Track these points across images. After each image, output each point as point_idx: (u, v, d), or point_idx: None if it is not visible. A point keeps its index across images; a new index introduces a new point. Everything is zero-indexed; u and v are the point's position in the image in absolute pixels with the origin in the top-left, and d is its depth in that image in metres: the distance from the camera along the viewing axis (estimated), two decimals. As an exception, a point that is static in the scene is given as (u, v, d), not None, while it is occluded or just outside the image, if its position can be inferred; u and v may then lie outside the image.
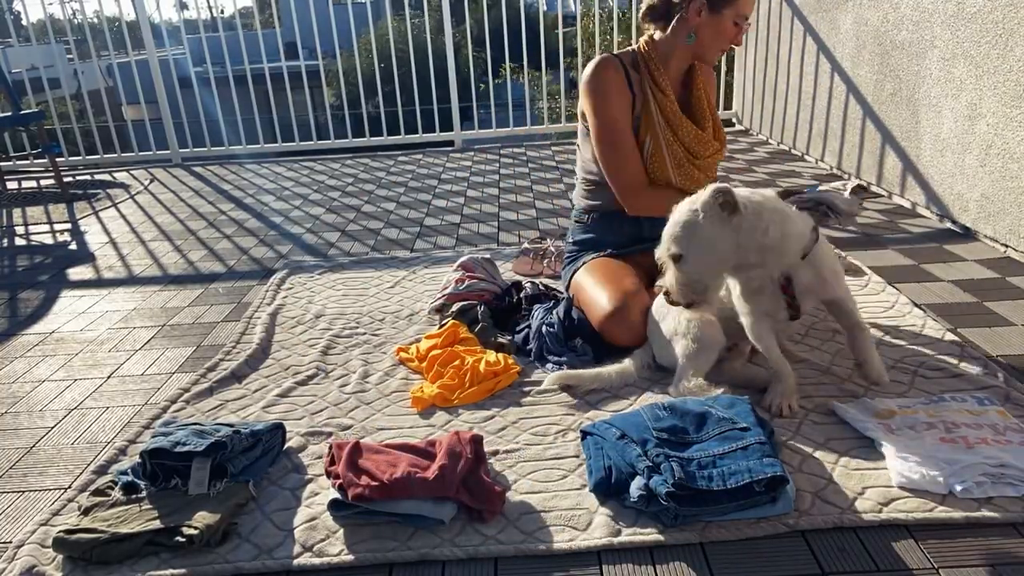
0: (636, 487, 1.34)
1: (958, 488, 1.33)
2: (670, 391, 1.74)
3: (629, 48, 2.22)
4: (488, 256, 2.54)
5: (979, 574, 1.18)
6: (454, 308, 2.22)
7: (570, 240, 2.36)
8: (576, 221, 2.36)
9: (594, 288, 2.04)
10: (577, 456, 1.54)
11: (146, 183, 4.73)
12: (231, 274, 2.91)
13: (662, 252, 1.62)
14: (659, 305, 1.87)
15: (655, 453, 1.36)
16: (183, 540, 1.31)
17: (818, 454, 1.48)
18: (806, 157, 4.28)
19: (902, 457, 1.40)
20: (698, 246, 1.56)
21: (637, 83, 2.13)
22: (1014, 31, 2.45)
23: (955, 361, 1.81)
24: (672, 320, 1.81)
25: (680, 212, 1.58)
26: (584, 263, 2.19)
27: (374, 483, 1.34)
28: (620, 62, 2.14)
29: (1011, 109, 2.48)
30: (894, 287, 2.30)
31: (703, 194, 1.54)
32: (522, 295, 2.25)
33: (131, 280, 2.92)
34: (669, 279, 1.63)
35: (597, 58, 2.16)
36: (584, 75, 2.15)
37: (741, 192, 1.55)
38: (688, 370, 1.73)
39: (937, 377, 1.76)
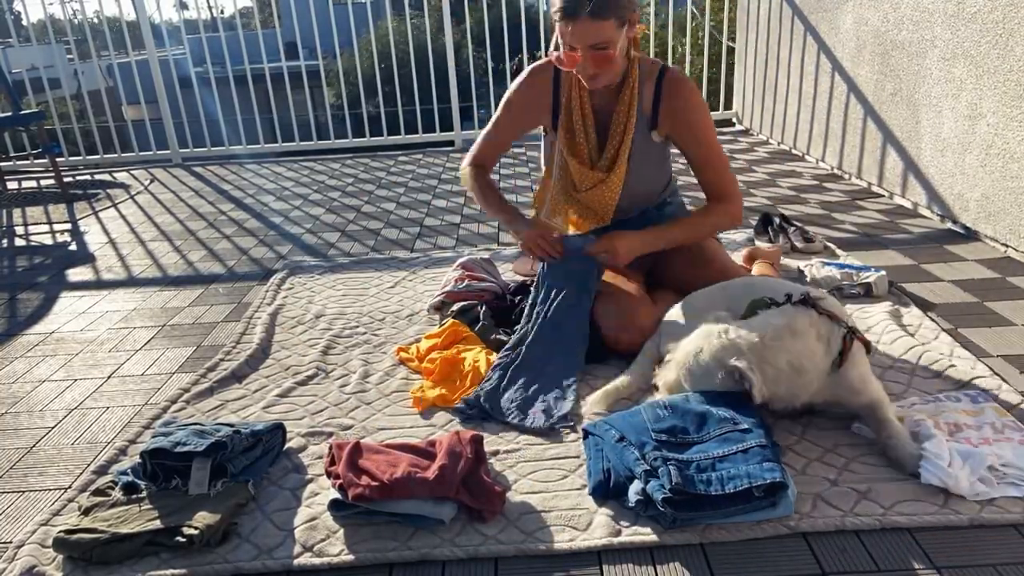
0: (634, 491, 1.34)
1: (981, 488, 1.33)
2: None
3: None
4: (488, 256, 2.54)
5: (980, 574, 1.18)
6: (454, 308, 2.22)
7: None
8: None
9: (595, 305, 1.99)
10: (577, 456, 1.54)
11: (146, 183, 4.73)
12: (231, 274, 2.91)
13: (671, 376, 1.59)
14: (673, 315, 1.88)
15: (653, 456, 1.35)
16: (183, 540, 1.31)
17: (824, 458, 1.48)
18: (806, 157, 4.28)
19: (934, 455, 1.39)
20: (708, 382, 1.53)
21: (562, 98, 2.05)
22: (1014, 31, 2.45)
23: (949, 360, 1.81)
24: (686, 324, 1.80)
25: (696, 363, 1.54)
26: None
27: (374, 483, 1.34)
28: (555, 71, 2.04)
29: (1011, 109, 2.48)
30: (895, 289, 2.30)
31: (717, 358, 1.50)
32: (525, 300, 2.22)
33: (131, 280, 2.92)
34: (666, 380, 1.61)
35: (534, 63, 2.12)
36: (522, 72, 2.15)
37: (743, 343, 1.49)
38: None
39: (934, 377, 1.76)
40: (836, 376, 1.51)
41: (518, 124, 2.20)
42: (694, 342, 1.56)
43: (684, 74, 2.06)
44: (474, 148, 2.23)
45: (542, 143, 2.27)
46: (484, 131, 2.24)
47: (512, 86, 2.15)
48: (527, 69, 2.14)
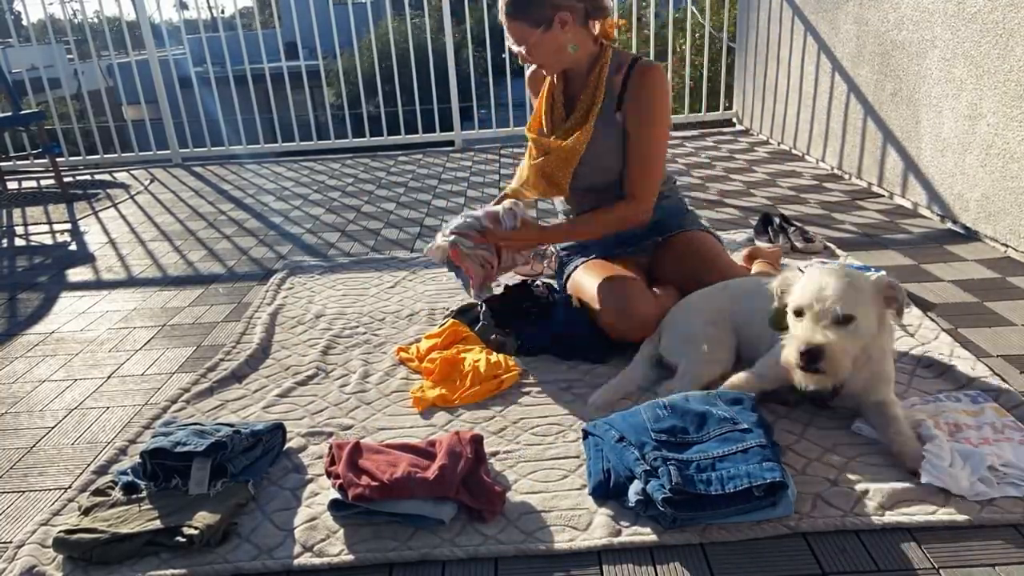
0: (634, 491, 1.34)
1: (981, 488, 1.33)
2: (660, 389, 1.74)
3: None
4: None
5: (980, 574, 1.18)
6: (453, 308, 2.21)
7: (559, 245, 2.36)
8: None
9: (596, 287, 2.03)
10: (577, 456, 1.54)
11: (146, 183, 4.73)
12: (231, 274, 2.91)
13: (820, 311, 1.42)
14: (673, 316, 1.88)
15: (653, 456, 1.36)
16: (183, 540, 1.31)
17: (824, 458, 1.48)
18: (807, 157, 4.28)
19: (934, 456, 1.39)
20: (865, 315, 1.43)
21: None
22: (1014, 31, 2.45)
23: (949, 360, 1.81)
24: (687, 323, 1.82)
25: (847, 274, 1.45)
26: (577, 265, 2.19)
27: (374, 483, 1.34)
28: None
29: (1011, 109, 2.48)
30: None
31: (880, 277, 1.48)
32: (525, 300, 2.21)
33: (131, 280, 2.92)
34: (829, 342, 1.39)
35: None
36: None
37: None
38: (687, 376, 1.73)
39: (934, 377, 1.76)
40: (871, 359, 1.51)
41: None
42: (816, 281, 1.44)
43: (657, 65, 2.08)
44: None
45: None
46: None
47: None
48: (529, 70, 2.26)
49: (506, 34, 2.06)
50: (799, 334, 1.43)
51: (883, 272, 2.26)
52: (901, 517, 1.29)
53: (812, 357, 1.39)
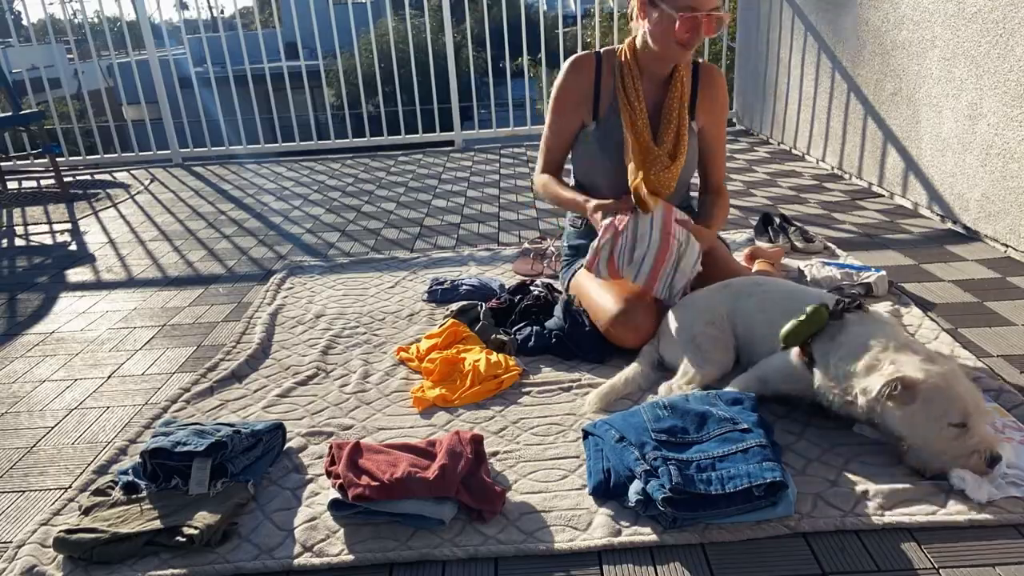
0: (634, 491, 1.34)
1: (991, 489, 1.33)
2: (660, 389, 1.74)
3: (616, 47, 2.15)
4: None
5: (980, 574, 1.18)
6: (453, 307, 2.22)
7: (565, 244, 2.35)
8: (571, 225, 2.35)
9: (598, 291, 2.02)
10: (577, 456, 1.54)
11: (146, 183, 4.73)
12: (231, 274, 2.91)
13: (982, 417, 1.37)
14: (674, 316, 1.88)
15: (653, 456, 1.36)
16: (183, 540, 1.31)
17: (823, 458, 1.48)
18: (807, 157, 4.28)
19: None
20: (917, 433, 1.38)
21: (608, 87, 2.10)
22: (1014, 31, 2.45)
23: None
24: (686, 325, 1.82)
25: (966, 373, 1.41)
26: (582, 266, 2.17)
27: (374, 483, 1.34)
28: (597, 61, 2.11)
29: (1011, 109, 2.48)
30: (895, 289, 2.30)
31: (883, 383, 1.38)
32: (525, 300, 2.21)
33: (131, 280, 2.92)
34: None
35: (573, 57, 2.15)
36: (563, 66, 2.18)
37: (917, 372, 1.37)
38: (686, 377, 1.73)
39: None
40: None
41: (571, 119, 2.16)
42: (964, 387, 1.37)
43: (714, 64, 2.18)
44: (539, 161, 2.26)
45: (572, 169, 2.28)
46: (542, 140, 2.25)
47: (557, 84, 2.16)
48: (567, 64, 2.14)
49: (690, 2, 1.86)
50: (986, 436, 1.35)
51: (883, 272, 2.27)
52: (901, 517, 1.29)
53: (993, 464, 1.35)
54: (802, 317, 1.56)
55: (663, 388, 1.74)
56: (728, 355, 1.78)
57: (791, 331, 1.57)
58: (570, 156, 2.27)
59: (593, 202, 2.02)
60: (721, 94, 2.13)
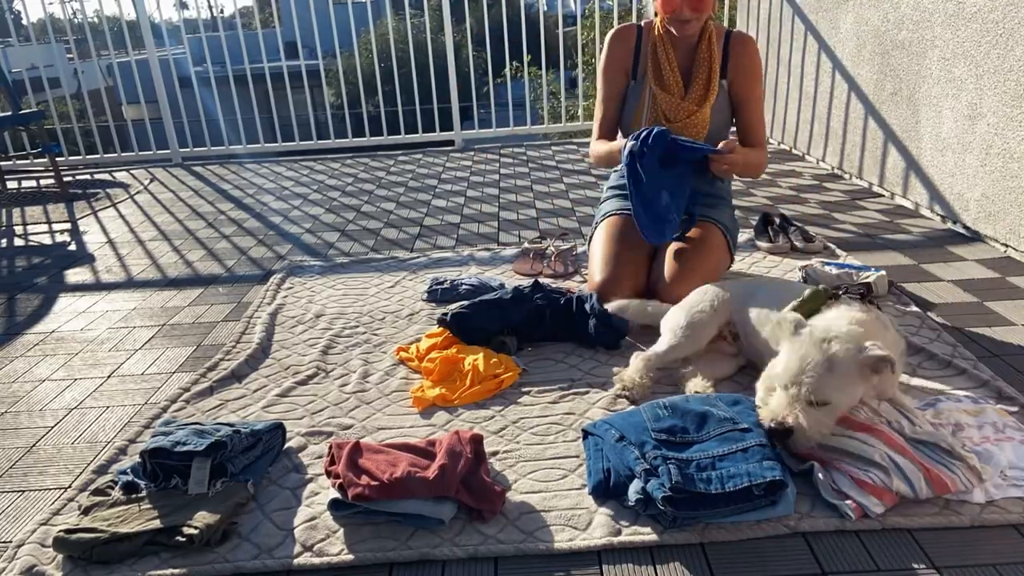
0: (634, 490, 1.34)
1: (992, 490, 1.33)
2: (631, 359, 1.84)
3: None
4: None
5: (980, 574, 1.18)
6: (453, 307, 2.21)
7: (606, 187, 2.58)
8: (614, 171, 2.56)
9: (599, 253, 2.28)
10: (577, 456, 1.54)
11: (146, 183, 4.73)
12: (231, 274, 2.90)
13: (794, 394, 1.38)
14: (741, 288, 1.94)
15: (653, 456, 1.36)
16: (183, 540, 1.31)
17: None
18: (807, 157, 4.28)
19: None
20: (845, 394, 1.39)
21: (647, 53, 2.34)
22: (1014, 31, 2.45)
23: (950, 360, 1.81)
24: (681, 314, 1.88)
25: (830, 357, 1.38)
26: (606, 215, 2.40)
27: (374, 483, 1.34)
28: (638, 30, 2.36)
29: (1011, 109, 2.48)
30: (895, 288, 2.30)
31: (866, 355, 1.38)
32: (537, 297, 2.19)
33: (131, 280, 2.92)
34: (798, 425, 1.37)
35: (615, 28, 2.41)
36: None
37: (857, 336, 1.41)
38: (662, 343, 1.84)
39: (934, 377, 1.76)
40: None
41: (617, 86, 2.39)
42: (799, 356, 1.40)
43: (750, 35, 2.40)
44: (594, 131, 2.46)
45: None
46: (596, 112, 2.47)
47: (602, 56, 2.41)
48: (610, 35, 2.40)
49: None
50: (772, 406, 1.41)
51: (883, 272, 2.27)
52: (901, 517, 1.29)
53: (779, 436, 1.38)
54: (802, 297, 1.64)
55: (638, 357, 1.83)
56: (702, 340, 1.85)
57: (792, 310, 1.59)
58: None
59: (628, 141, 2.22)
60: (750, 57, 2.30)
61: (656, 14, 2.30)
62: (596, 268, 2.26)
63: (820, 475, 1.35)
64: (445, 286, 2.46)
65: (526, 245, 2.89)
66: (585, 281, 2.45)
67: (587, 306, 2.07)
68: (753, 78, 2.32)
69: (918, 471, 1.30)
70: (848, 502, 1.29)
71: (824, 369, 1.37)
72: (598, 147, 2.40)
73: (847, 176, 3.77)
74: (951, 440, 1.34)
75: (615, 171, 2.53)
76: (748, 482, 1.28)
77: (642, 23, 2.38)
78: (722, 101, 2.32)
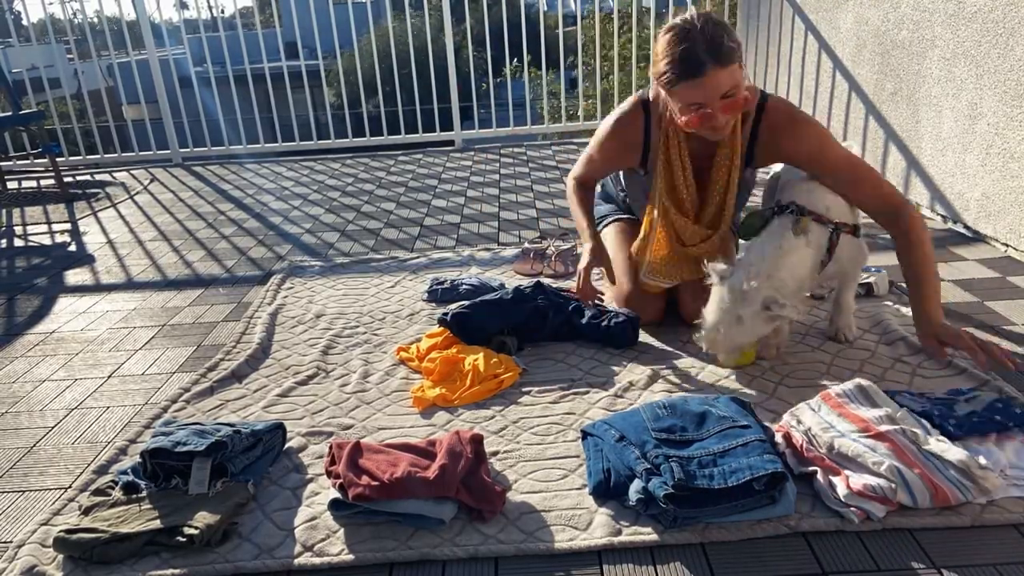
0: (634, 490, 1.34)
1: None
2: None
3: None
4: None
5: (980, 574, 1.18)
6: (453, 307, 2.21)
7: (601, 190, 2.48)
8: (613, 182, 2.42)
9: (619, 262, 2.16)
10: (577, 456, 1.54)
11: (146, 183, 4.73)
12: (231, 274, 2.91)
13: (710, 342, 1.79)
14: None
15: (654, 454, 1.36)
16: (183, 540, 1.31)
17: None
18: (806, 157, 4.27)
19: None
20: (749, 334, 1.80)
21: (657, 140, 1.98)
22: (1014, 31, 2.45)
23: (950, 360, 1.81)
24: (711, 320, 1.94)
25: (737, 327, 1.73)
26: (610, 221, 2.34)
27: (374, 483, 1.34)
28: (645, 113, 1.97)
29: (1011, 109, 2.48)
30: (896, 287, 2.30)
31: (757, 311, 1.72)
32: (539, 299, 2.18)
33: (131, 280, 2.92)
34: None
35: (628, 105, 2.01)
36: (612, 114, 2.06)
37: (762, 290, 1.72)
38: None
39: (935, 376, 1.76)
40: (830, 265, 1.83)
41: (611, 165, 2.17)
42: (718, 308, 1.74)
43: (784, 105, 1.91)
44: (577, 168, 2.21)
45: (622, 178, 2.28)
46: (583, 155, 2.18)
47: (603, 131, 2.06)
48: (614, 117, 2.03)
49: (695, 99, 1.73)
50: (706, 317, 1.78)
51: (884, 271, 2.27)
52: (901, 517, 1.29)
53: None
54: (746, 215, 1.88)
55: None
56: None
57: (742, 224, 1.88)
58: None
59: (589, 246, 2.07)
60: (792, 144, 1.86)
61: (664, 107, 1.90)
62: (620, 274, 2.13)
63: (820, 479, 1.35)
64: (445, 286, 2.47)
65: (526, 245, 2.89)
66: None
67: (596, 310, 2.07)
68: (814, 157, 1.84)
69: (926, 490, 1.28)
70: (851, 508, 1.29)
71: (728, 326, 1.73)
72: (573, 196, 2.17)
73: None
74: (967, 460, 1.31)
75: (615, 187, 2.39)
76: (750, 475, 1.28)
77: (648, 97, 1.96)
78: (746, 183, 2.05)
